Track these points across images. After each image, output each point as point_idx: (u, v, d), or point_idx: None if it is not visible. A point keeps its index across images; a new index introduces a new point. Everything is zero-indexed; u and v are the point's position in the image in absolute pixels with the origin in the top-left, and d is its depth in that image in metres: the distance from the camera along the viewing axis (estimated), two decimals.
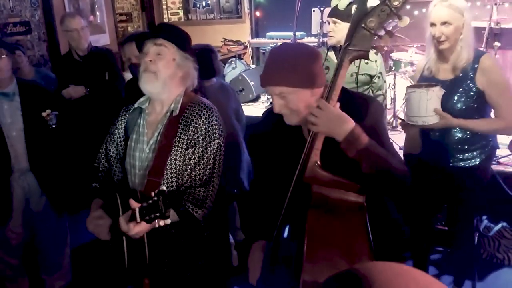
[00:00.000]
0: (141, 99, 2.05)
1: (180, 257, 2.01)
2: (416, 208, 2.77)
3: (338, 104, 1.55)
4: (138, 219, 1.68)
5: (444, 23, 2.33)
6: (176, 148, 1.92)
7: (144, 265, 1.87)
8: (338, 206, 1.56)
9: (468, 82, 2.37)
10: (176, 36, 1.99)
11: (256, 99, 5.14)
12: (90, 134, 3.19)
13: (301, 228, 1.53)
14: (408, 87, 2.43)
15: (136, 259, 1.87)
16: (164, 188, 1.67)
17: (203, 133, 1.93)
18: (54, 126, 2.85)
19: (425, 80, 2.53)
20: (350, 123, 1.51)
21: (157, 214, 1.62)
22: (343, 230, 1.52)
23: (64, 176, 3.02)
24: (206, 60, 3.13)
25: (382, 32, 1.54)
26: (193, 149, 1.92)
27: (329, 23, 3.03)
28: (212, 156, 1.95)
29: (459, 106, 2.40)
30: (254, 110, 4.81)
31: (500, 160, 3.55)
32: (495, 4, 4.55)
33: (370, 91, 3.03)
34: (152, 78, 1.91)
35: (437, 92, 2.29)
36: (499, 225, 3.07)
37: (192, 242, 2.03)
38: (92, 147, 3.00)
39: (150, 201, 1.64)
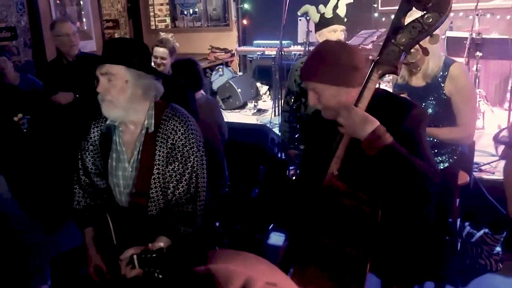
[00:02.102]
0: None
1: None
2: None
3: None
4: (137, 267, 1.64)
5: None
6: (158, 165, 1.89)
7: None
8: (350, 213, 1.56)
9: (438, 89, 2.46)
10: (123, 55, 1.85)
11: (243, 106, 5.19)
12: (68, 140, 3.15)
13: (315, 229, 1.56)
14: None
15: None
16: (162, 244, 1.69)
17: (180, 149, 1.89)
18: (25, 130, 2.84)
19: (400, 87, 2.61)
20: (374, 123, 1.53)
21: (157, 270, 1.61)
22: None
23: (38, 182, 2.99)
24: (194, 73, 3.16)
25: (413, 50, 1.54)
26: (172, 166, 1.89)
27: (319, 35, 3.02)
28: (194, 171, 1.92)
29: (429, 112, 2.49)
30: (241, 117, 4.85)
31: (482, 168, 3.62)
32: (477, 14, 4.65)
33: None
34: (111, 107, 1.84)
35: None
36: (481, 232, 3.12)
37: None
38: (69, 154, 3.00)
39: (149, 255, 1.62)
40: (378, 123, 1.53)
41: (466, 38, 4.40)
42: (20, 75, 4.09)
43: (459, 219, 3.15)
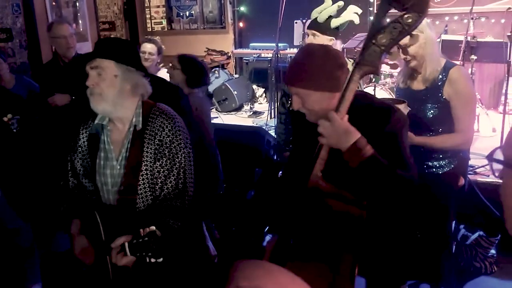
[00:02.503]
0: (100, 115, 1.99)
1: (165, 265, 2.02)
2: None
3: (346, 117, 1.59)
4: (128, 254, 1.67)
5: (404, 45, 2.43)
6: (146, 162, 1.92)
7: (128, 278, 1.88)
8: (336, 214, 1.58)
9: (437, 93, 2.47)
10: (114, 50, 1.91)
11: (239, 108, 5.19)
12: (61, 141, 3.15)
13: (302, 230, 1.58)
14: None
15: (120, 273, 1.87)
16: (154, 228, 1.67)
17: (168, 145, 1.93)
18: (15, 131, 2.84)
19: (403, 92, 2.62)
20: (355, 135, 1.54)
21: (150, 254, 1.63)
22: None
23: (28, 182, 2.98)
24: (201, 67, 3.24)
25: (393, 49, 1.58)
26: (160, 162, 1.92)
27: (308, 35, 3.10)
28: (182, 166, 1.95)
29: (429, 115, 2.51)
30: (236, 119, 4.85)
31: (477, 170, 3.64)
32: (472, 18, 4.67)
33: None
34: (99, 99, 1.88)
35: (402, 109, 2.38)
36: (476, 234, 3.13)
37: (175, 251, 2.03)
38: (59, 155, 3.00)
39: (141, 240, 1.64)
40: (359, 134, 1.55)
41: (461, 42, 4.42)
42: (16, 76, 4.08)
43: (454, 222, 3.16)
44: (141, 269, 1.86)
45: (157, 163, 1.92)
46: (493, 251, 3.07)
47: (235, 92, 5.13)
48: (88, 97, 1.91)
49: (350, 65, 3.04)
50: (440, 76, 2.46)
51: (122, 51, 1.94)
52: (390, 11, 1.57)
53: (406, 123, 1.72)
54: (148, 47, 3.98)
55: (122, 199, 1.93)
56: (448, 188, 2.60)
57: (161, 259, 1.64)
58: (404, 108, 2.39)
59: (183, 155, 1.95)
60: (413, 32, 2.24)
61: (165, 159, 1.92)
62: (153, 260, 1.64)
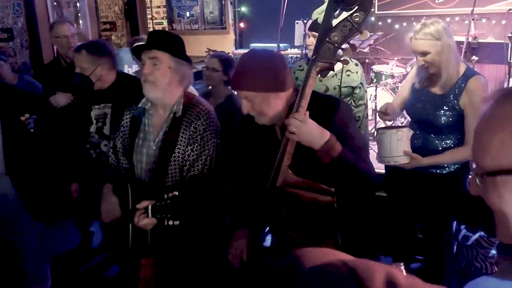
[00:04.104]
0: (144, 100, 2.19)
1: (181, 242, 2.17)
2: (396, 215, 2.83)
3: (307, 113, 1.65)
4: (150, 215, 1.87)
5: (423, 54, 2.42)
6: (179, 146, 2.11)
7: (146, 247, 2.04)
8: (309, 205, 1.66)
9: (454, 99, 2.45)
10: (169, 44, 2.11)
11: None
12: (70, 140, 3.16)
13: (279, 225, 1.68)
14: (378, 128, 2.57)
15: (139, 241, 2.04)
16: (177, 193, 1.85)
17: (201, 132, 2.11)
18: (32, 130, 2.84)
19: (418, 92, 2.60)
20: (327, 134, 1.63)
21: (169, 216, 1.83)
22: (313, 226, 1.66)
23: (42, 182, 2.99)
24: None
25: (345, 45, 1.66)
26: (192, 147, 2.10)
27: (309, 37, 3.11)
28: (210, 154, 2.12)
29: (442, 120, 2.48)
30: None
31: None
32: (473, 19, 4.69)
33: (352, 101, 3.09)
34: (152, 87, 2.08)
35: (406, 133, 2.40)
36: (477, 234, 3.13)
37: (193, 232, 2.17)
38: (71, 153, 3.00)
39: (163, 202, 1.83)
40: (329, 133, 1.63)
41: (462, 42, 4.43)
42: (19, 76, 4.09)
43: (455, 222, 3.16)
44: (158, 235, 2.03)
45: (189, 147, 2.10)
46: (494, 252, 3.07)
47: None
48: (142, 83, 2.10)
49: (353, 65, 3.06)
50: (459, 84, 2.43)
51: (176, 45, 2.14)
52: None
53: (351, 113, 1.88)
54: None
55: (154, 176, 2.12)
56: (450, 188, 2.60)
57: (177, 222, 1.83)
58: (407, 132, 2.39)
59: (212, 144, 2.13)
60: (430, 39, 2.36)
61: (196, 144, 2.10)
62: (170, 222, 1.83)
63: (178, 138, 2.11)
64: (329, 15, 1.68)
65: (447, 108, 2.47)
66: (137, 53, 2.17)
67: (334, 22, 1.68)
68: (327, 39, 1.64)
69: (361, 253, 1.79)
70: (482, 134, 0.81)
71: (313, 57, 1.67)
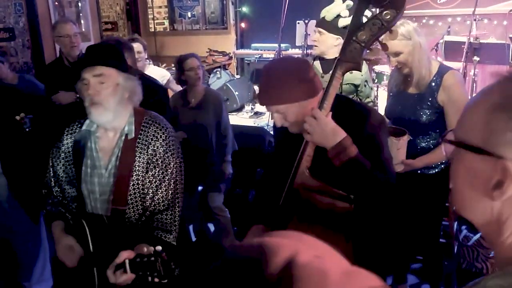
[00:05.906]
0: (88, 121, 1.93)
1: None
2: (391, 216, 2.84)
3: (330, 114, 1.60)
4: (128, 272, 1.55)
5: (396, 54, 2.44)
6: (137, 172, 1.87)
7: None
8: (324, 211, 1.61)
9: (431, 97, 2.48)
10: (115, 59, 1.89)
11: (240, 108, 5.18)
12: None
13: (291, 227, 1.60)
14: None
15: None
16: (160, 248, 1.57)
17: (161, 155, 1.89)
18: (28, 130, 2.83)
19: (397, 96, 2.63)
20: (341, 134, 1.57)
21: (155, 274, 1.53)
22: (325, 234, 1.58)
23: (38, 181, 2.99)
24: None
25: (373, 45, 1.61)
26: (152, 173, 1.88)
27: (315, 32, 3.08)
28: (173, 177, 1.92)
29: (424, 119, 2.51)
30: (238, 119, 4.85)
31: None
32: (475, 20, 4.67)
33: (358, 99, 3.08)
34: (101, 110, 1.83)
35: (405, 141, 2.41)
36: (478, 235, 3.13)
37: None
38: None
39: (145, 259, 1.55)
40: (345, 134, 1.57)
41: (463, 43, 4.42)
42: (19, 76, 4.08)
43: (456, 222, 3.16)
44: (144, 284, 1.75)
45: (149, 173, 1.88)
46: None
47: (237, 93, 5.12)
48: (87, 107, 1.84)
49: (364, 65, 3.06)
50: (434, 81, 2.46)
51: (121, 58, 1.93)
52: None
53: (384, 124, 1.77)
54: (135, 47, 3.96)
55: (112, 209, 1.87)
56: (440, 188, 2.61)
57: (166, 280, 1.55)
58: (407, 137, 2.40)
59: (175, 165, 1.93)
60: (402, 39, 2.36)
61: (157, 169, 1.88)
62: (156, 280, 1.54)
63: (134, 164, 1.86)
64: (358, 13, 1.61)
65: (426, 107, 2.49)
66: (77, 71, 1.89)
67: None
68: (354, 38, 1.58)
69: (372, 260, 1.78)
70: (467, 107, 0.81)
71: (339, 57, 1.62)
